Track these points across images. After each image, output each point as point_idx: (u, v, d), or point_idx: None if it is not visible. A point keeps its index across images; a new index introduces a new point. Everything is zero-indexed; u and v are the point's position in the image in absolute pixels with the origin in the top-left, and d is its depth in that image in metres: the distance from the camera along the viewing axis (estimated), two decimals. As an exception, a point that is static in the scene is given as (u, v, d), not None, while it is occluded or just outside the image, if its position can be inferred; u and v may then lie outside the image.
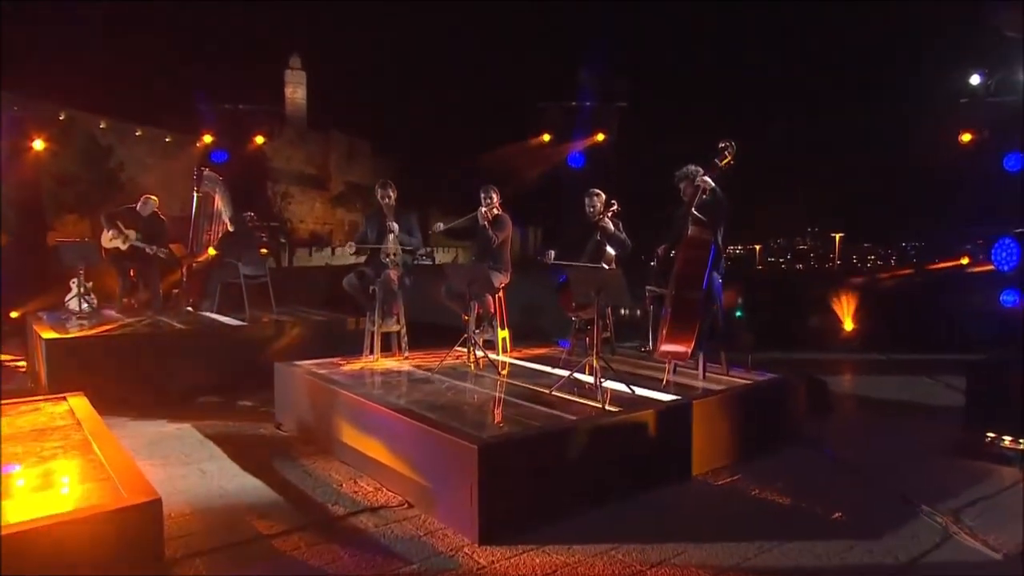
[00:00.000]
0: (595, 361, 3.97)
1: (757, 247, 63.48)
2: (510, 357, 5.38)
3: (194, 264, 7.35)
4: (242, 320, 6.63)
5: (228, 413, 5.12)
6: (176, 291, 7.52)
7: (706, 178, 4.34)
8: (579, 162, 10.07)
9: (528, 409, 3.71)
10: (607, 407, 3.69)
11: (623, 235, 5.36)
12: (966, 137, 8.46)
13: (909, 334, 8.30)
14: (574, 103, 10.04)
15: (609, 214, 5.31)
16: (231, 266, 6.97)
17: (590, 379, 4.07)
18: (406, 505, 3.28)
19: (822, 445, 4.32)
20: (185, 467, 3.84)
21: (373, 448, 3.66)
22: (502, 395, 4.13)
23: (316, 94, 60.43)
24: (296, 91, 60.06)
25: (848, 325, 8.32)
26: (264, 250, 8.27)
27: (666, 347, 4.14)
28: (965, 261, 8.75)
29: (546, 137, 10.44)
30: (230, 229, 7.17)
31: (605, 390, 3.89)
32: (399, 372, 4.82)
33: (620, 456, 3.45)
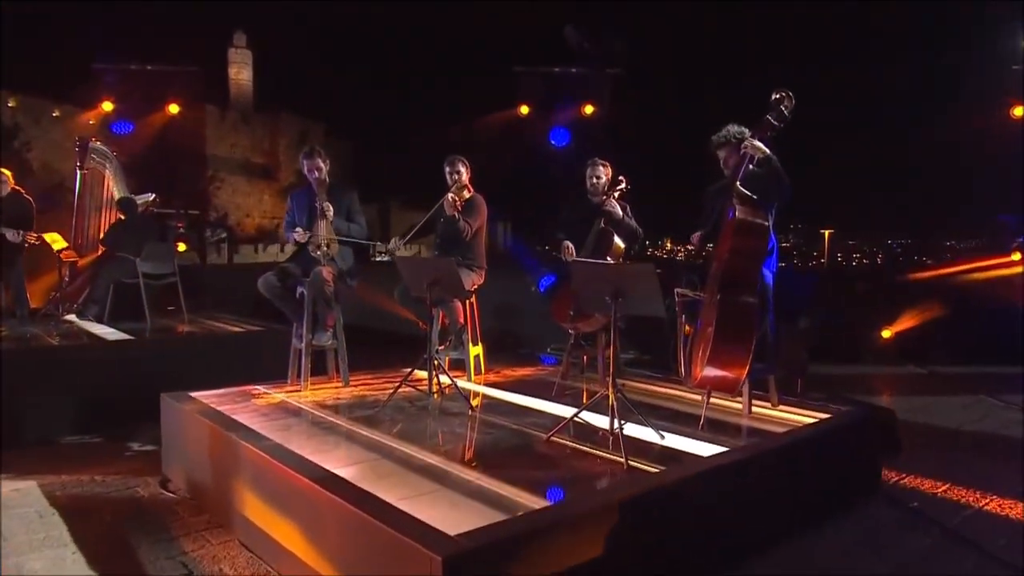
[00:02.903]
0: (611, 395, 2.99)
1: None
2: (485, 383, 4.38)
3: (79, 261, 6.19)
4: (138, 332, 5.55)
5: (100, 462, 4.01)
6: (55, 294, 6.33)
7: (756, 142, 3.38)
8: (563, 139, 9.16)
9: (517, 467, 2.71)
10: (629, 461, 2.73)
11: (633, 222, 4.44)
12: (1018, 111, 7.75)
13: (945, 342, 7.56)
14: (558, 68, 9.07)
15: (616, 195, 4.39)
16: (126, 262, 5.86)
17: (601, 419, 3.10)
18: (330, 633, 2.25)
19: (906, 500, 3.44)
20: (-1, 563, 2.73)
21: (286, 533, 2.62)
22: (476, 445, 3.13)
23: (264, 74, 58.47)
24: (241, 72, 57.87)
25: (886, 332, 7.52)
26: (181, 244, 7.23)
27: (709, 372, 3.16)
28: (1016, 257, 8.07)
29: (524, 109, 9.47)
30: (121, 216, 6.04)
31: (620, 436, 2.91)
32: (333, 409, 3.76)
33: (652, 541, 2.47)
